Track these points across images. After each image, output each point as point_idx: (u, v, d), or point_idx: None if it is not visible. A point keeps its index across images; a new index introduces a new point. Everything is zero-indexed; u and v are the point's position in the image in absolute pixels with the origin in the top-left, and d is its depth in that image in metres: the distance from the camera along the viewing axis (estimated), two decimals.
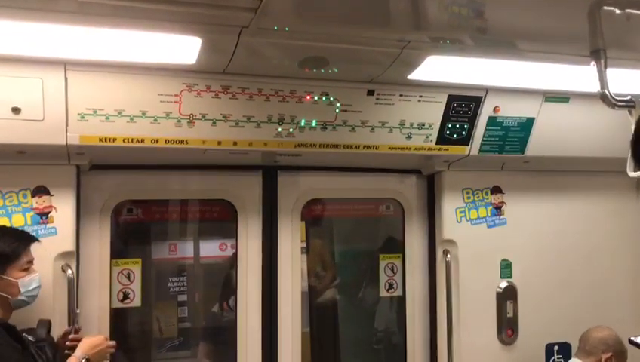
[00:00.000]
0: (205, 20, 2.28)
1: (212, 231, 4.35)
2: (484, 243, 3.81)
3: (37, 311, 2.87)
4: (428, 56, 2.77)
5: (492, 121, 3.43)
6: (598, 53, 2.11)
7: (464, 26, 2.41)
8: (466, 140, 3.46)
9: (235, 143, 3.10)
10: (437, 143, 3.42)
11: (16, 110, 2.69)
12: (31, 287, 2.71)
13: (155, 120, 2.91)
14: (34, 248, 2.80)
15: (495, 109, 3.39)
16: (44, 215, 3.01)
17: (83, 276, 3.24)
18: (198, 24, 2.32)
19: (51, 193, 3.03)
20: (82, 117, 2.80)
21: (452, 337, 3.69)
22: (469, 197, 3.80)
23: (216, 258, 4.38)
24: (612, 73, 2.12)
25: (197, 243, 4.37)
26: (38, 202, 3.01)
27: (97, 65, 2.72)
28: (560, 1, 2.18)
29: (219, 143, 3.07)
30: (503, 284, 3.84)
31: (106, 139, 2.88)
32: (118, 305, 3.46)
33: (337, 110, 3.17)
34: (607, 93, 2.10)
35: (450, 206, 3.76)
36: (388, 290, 4.05)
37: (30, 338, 2.71)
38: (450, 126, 3.38)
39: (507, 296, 3.83)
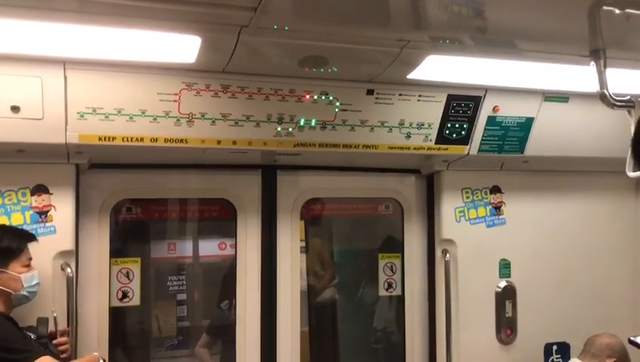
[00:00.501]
0: (205, 19, 2.28)
1: (211, 231, 4.35)
2: (483, 242, 3.81)
3: (36, 309, 2.87)
4: (427, 56, 2.77)
5: (491, 120, 3.43)
6: (597, 53, 2.11)
7: (464, 25, 2.41)
8: (465, 140, 3.46)
9: (234, 142, 3.10)
10: (436, 143, 3.42)
11: (15, 109, 2.69)
12: (33, 283, 2.74)
13: (155, 119, 2.91)
14: (33, 247, 2.82)
15: (494, 109, 3.39)
16: (43, 214, 3.01)
17: (82, 275, 3.24)
18: (198, 23, 2.32)
19: (50, 192, 3.03)
20: (81, 116, 2.80)
21: (451, 336, 3.69)
22: (468, 197, 3.80)
23: (215, 257, 4.38)
24: (611, 73, 2.12)
25: (196, 242, 4.37)
26: (37, 201, 3.01)
27: (97, 64, 2.72)
28: (559, 1, 2.18)
29: (218, 142, 3.07)
30: (502, 284, 3.84)
31: (105, 138, 2.88)
32: (117, 303, 3.46)
33: (337, 109, 3.17)
34: (607, 93, 2.10)
35: (450, 205, 3.76)
36: (387, 290, 4.05)
37: (31, 335, 2.73)
38: (449, 125, 3.38)
39: (506, 296, 3.83)
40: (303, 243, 4.12)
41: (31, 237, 2.82)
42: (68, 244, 3.06)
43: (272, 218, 3.68)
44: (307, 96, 3.09)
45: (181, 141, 2.99)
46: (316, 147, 3.24)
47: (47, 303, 2.94)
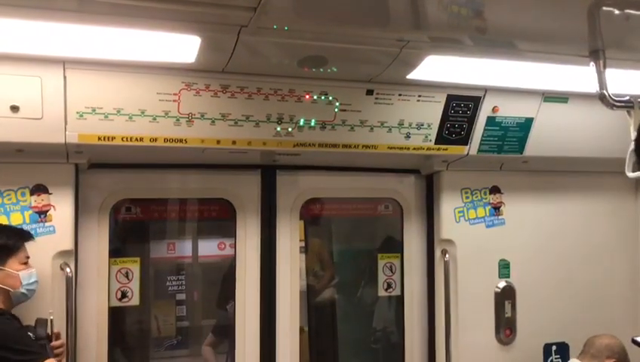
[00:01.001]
0: (205, 19, 2.28)
1: (211, 230, 4.36)
2: (483, 243, 3.81)
3: (35, 309, 2.87)
4: (427, 56, 2.77)
5: (491, 120, 3.43)
6: (597, 54, 2.11)
7: (463, 25, 2.41)
8: (464, 140, 3.46)
9: (233, 142, 3.10)
10: (436, 143, 3.42)
11: (14, 108, 2.69)
12: (31, 281, 2.75)
13: (154, 119, 2.91)
14: (33, 246, 2.82)
15: (494, 109, 3.39)
16: (42, 213, 3.01)
17: (81, 274, 3.24)
18: (198, 23, 2.32)
19: (50, 191, 3.03)
20: (81, 115, 2.80)
21: (450, 337, 3.68)
22: (467, 197, 3.80)
23: (214, 257, 4.38)
24: (611, 73, 2.12)
25: (195, 242, 4.38)
26: (36, 200, 3.01)
27: (96, 63, 2.72)
28: (559, 2, 2.18)
29: (218, 142, 3.07)
30: (502, 284, 3.84)
31: (104, 137, 2.88)
32: (116, 303, 3.45)
33: (336, 109, 3.17)
34: (606, 94, 2.10)
35: (449, 206, 3.76)
36: (386, 290, 4.05)
37: (31, 335, 2.72)
38: (449, 126, 3.38)
39: (505, 296, 3.83)
40: (303, 244, 4.12)
41: (28, 236, 2.82)
42: (67, 244, 3.05)
43: (272, 218, 3.67)
44: (307, 96, 3.09)
45: (180, 141, 2.99)
46: (316, 147, 3.24)
47: (46, 303, 2.94)
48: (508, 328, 3.84)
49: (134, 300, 3.49)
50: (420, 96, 3.25)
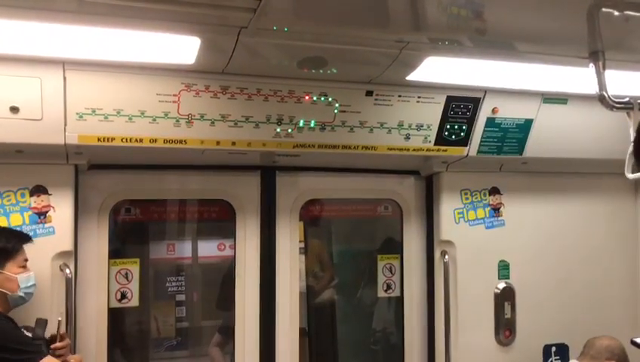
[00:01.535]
0: (204, 20, 2.28)
1: (210, 231, 4.36)
2: (482, 244, 3.81)
3: (34, 310, 2.87)
4: (427, 57, 2.77)
5: (490, 122, 3.44)
6: (596, 55, 2.11)
7: (463, 27, 2.41)
8: (464, 141, 3.46)
9: (233, 143, 3.10)
10: (435, 144, 3.42)
11: (14, 109, 2.69)
12: (29, 284, 2.73)
13: (154, 120, 2.91)
14: (32, 247, 2.81)
15: (494, 110, 3.40)
16: (42, 214, 3.01)
17: (81, 275, 3.24)
18: (197, 24, 2.32)
19: (49, 192, 3.03)
20: (81, 116, 2.80)
21: (450, 338, 3.68)
22: (467, 198, 3.80)
23: (214, 258, 4.38)
24: (610, 75, 2.12)
25: (195, 243, 4.38)
26: (36, 201, 3.01)
27: (96, 64, 2.72)
28: (558, 3, 2.18)
29: (217, 143, 3.07)
30: (501, 285, 3.84)
31: (104, 138, 2.88)
32: (115, 304, 3.45)
33: (336, 110, 3.17)
34: (606, 95, 2.10)
35: (449, 207, 3.76)
36: (386, 291, 4.05)
37: (29, 335, 2.72)
38: (448, 127, 3.38)
39: (505, 297, 3.83)
40: (302, 244, 4.12)
41: (27, 238, 2.81)
42: (67, 245, 3.05)
43: (271, 219, 3.67)
44: (306, 97, 3.10)
45: (180, 142, 2.99)
46: (315, 148, 3.24)
47: (45, 304, 2.94)
48: (507, 329, 3.84)
49: (134, 301, 3.49)
50: (419, 97, 3.25)
